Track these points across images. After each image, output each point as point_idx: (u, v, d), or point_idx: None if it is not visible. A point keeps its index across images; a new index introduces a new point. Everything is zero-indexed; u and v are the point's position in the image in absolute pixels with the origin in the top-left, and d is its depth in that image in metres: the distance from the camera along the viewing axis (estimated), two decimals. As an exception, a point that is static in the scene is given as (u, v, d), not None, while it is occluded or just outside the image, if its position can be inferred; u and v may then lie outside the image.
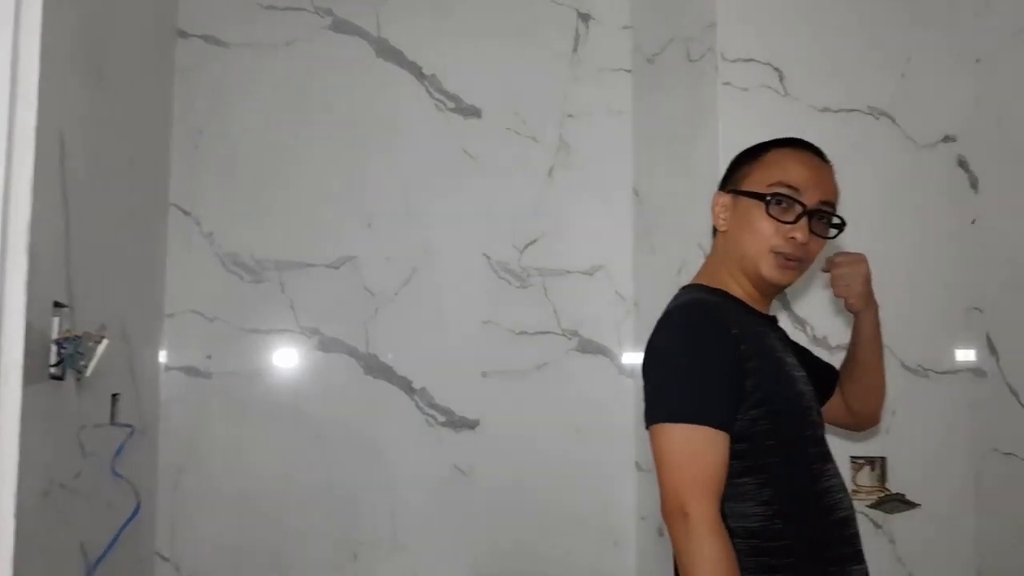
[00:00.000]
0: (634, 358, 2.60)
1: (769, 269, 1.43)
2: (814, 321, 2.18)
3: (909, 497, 2.18)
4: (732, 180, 1.50)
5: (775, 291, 1.50)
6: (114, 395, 1.99)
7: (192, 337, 2.51)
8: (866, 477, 2.19)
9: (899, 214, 2.27)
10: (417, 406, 2.57)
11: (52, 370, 1.56)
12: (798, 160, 1.45)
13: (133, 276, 2.22)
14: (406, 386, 2.57)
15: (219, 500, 2.48)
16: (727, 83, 2.16)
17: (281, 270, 2.56)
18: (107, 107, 1.92)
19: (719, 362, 1.33)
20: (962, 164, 2.32)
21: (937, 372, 2.27)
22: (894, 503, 2.17)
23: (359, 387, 2.55)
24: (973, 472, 2.25)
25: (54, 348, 1.55)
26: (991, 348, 2.24)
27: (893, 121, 2.28)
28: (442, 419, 2.58)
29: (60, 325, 1.57)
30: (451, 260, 2.62)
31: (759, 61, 2.19)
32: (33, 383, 1.44)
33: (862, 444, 2.17)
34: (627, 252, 2.66)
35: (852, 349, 1.64)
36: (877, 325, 1.60)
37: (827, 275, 1.59)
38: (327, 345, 2.56)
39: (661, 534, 2.22)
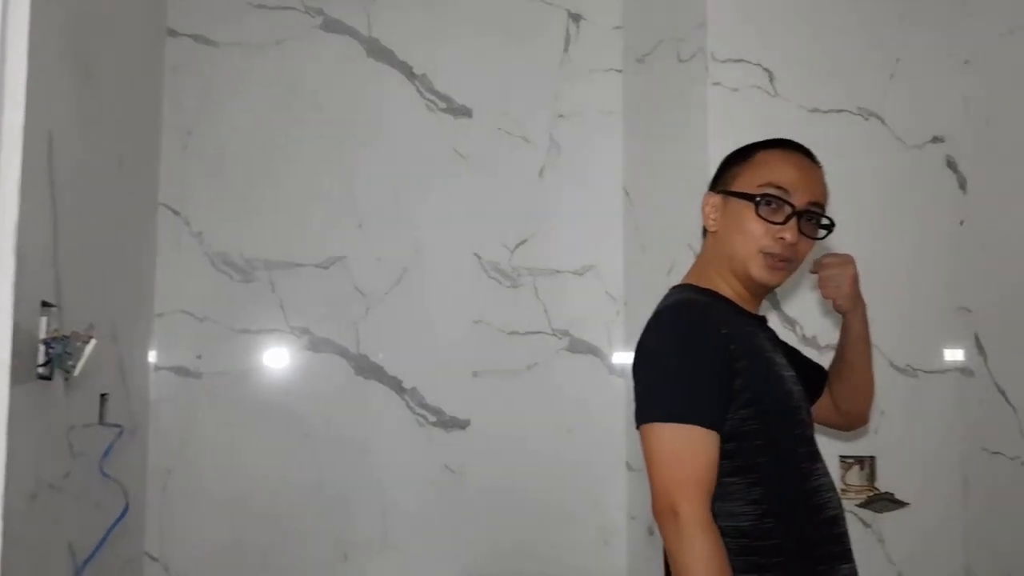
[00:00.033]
0: (624, 358, 2.61)
1: (758, 270, 1.43)
2: (804, 321, 2.18)
3: (898, 496, 2.19)
4: (722, 181, 1.51)
5: (764, 291, 1.51)
6: (103, 395, 1.98)
7: (182, 337, 2.50)
8: (855, 476, 2.20)
9: (888, 214, 2.28)
10: (408, 406, 2.56)
11: (40, 370, 1.55)
12: (788, 161, 1.46)
13: (122, 276, 2.21)
14: (396, 386, 2.57)
15: (209, 500, 2.47)
16: (717, 83, 2.17)
17: (271, 270, 2.55)
18: (96, 106, 1.91)
19: (709, 362, 1.34)
20: (951, 165, 2.33)
21: (926, 372, 2.28)
22: (883, 502, 2.18)
23: (349, 387, 2.54)
24: (961, 471, 2.26)
25: (42, 348, 1.55)
26: (979, 348, 2.25)
27: (882, 122, 2.29)
28: (433, 419, 2.57)
29: (48, 325, 1.56)
30: (442, 260, 2.61)
31: (749, 62, 2.20)
32: (21, 383, 1.43)
33: (851, 443, 2.18)
34: (617, 252, 2.66)
35: (840, 349, 1.64)
36: (865, 325, 1.61)
37: (816, 276, 1.59)
38: (317, 345, 2.55)
39: (651, 533, 2.23)
